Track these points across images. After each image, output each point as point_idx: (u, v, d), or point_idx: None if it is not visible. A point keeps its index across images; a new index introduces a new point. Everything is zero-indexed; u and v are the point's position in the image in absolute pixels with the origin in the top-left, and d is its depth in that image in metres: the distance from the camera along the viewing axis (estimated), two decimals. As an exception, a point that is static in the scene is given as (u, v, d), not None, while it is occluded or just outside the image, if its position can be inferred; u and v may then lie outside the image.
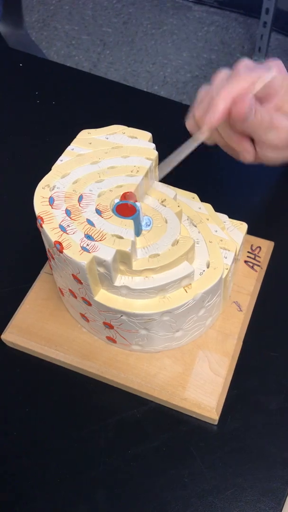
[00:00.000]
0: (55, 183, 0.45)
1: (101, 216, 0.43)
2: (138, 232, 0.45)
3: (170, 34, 2.04)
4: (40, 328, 0.52)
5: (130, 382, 0.50)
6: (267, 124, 0.48)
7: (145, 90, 1.81)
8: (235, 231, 0.52)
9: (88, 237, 0.42)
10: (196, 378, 0.49)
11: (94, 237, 0.42)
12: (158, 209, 0.46)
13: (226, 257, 0.48)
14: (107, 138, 0.49)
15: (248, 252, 0.56)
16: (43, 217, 0.43)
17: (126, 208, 0.44)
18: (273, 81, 0.47)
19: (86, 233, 0.42)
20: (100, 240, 0.42)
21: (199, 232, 0.48)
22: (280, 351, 0.53)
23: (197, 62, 1.93)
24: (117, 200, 0.45)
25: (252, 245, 0.57)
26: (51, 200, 0.44)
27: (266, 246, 0.58)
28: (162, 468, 0.47)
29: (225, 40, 2.00)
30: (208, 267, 0.46)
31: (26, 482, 0.46)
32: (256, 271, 0.56)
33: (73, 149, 0.48)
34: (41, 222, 0.43)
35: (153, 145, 0.48)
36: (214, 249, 0.47)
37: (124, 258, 0.42)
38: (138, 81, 1.88)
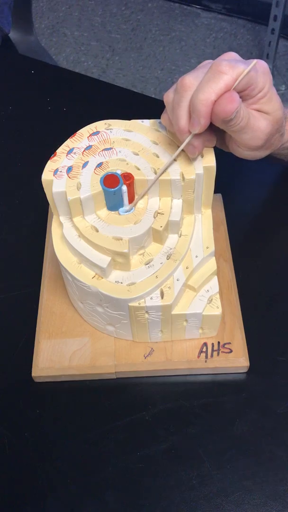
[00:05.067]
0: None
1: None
2: (112, 206, 0.47)
3: (178, 40, 2.05)
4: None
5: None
6: (244, 123, 0.44)
7: (153, 95, 1.82)
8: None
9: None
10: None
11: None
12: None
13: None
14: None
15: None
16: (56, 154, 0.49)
17: (113, 179, 0.46)
18: (253, 74, 0.43)
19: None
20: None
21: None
22: (287, 356, 0.53)
23: (205, 68, 1.94)
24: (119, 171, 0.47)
25: None
26: (69, 151, 0.49)
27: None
28: (170, 470, 0.47)
29: (233, 46, 2.01)
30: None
31: (36, 482, 0.47)
32: None
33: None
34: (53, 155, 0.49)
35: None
36: None
37: None
38: (146, 87, 1.89)
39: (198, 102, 0.41)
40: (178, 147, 0.46)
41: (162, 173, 0.47)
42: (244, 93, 0.44)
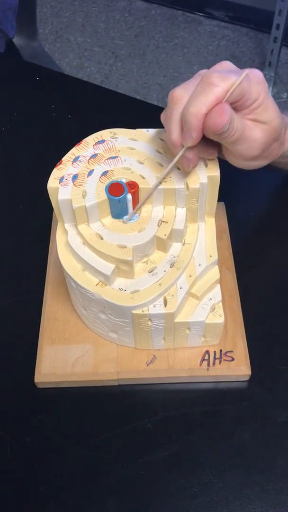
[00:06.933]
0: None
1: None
2: (117, 214, 0.48)
3: (181, 47, 2.07)
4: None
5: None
6: (238, 135, 0.43)
7: (155, 102, 1.83)
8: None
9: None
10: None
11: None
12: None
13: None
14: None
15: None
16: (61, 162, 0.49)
17: (118, 187, 0.47)
18: (245, 85, 0.42)
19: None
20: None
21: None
22: (289, 365, 0.53)
23: (208, 75, 1.95)
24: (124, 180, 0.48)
25: None
26: (75, 159, 0.49)
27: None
28: (171, 477, 0.47)
29: (235, 54, 2.02)
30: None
31: (38, 488, 0.47)
32: None
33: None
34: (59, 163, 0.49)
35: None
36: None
37: None
38: (149, 93, 1.90)
39: (188, 115, 0.41)
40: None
41: (159, 183, 0.47)
42: (237, 104, 0.43)
